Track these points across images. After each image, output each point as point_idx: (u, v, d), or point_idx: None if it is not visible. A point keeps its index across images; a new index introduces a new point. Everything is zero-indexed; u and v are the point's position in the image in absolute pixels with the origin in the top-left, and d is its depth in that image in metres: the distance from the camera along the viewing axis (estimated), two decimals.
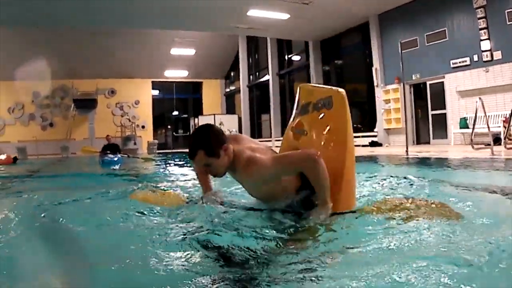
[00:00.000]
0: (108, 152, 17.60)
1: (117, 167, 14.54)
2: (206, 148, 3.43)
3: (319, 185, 3.33)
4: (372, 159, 12.79)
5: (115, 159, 16.18)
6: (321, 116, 3.82)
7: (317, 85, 4.56)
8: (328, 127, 3.74)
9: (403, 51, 14.78)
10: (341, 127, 3.65)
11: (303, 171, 3.38)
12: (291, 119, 4.38)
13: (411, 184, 4.99)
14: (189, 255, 2.51)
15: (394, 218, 3.14)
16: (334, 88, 3.88)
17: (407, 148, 13.44)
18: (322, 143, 3.74)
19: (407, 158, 12.14)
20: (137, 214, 3.71)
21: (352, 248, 2.57)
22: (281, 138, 18.13)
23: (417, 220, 3.04)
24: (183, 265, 2.35)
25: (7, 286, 2.15)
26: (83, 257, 2.56)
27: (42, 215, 3.91)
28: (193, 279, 2.11)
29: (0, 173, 13.38)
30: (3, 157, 19.43)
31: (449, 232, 2.71)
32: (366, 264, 2.22)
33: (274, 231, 2.99)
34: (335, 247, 2.62)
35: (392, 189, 4.73)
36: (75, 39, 27.79)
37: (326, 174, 3.29)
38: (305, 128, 4.01)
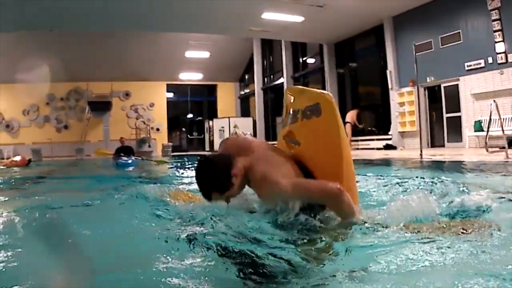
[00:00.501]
0: (122, 154, 17.76)
1: (131, 169, 14.69)
2: (218, 188, 3.33)
3: (343, 216, 3.16)
4: (387, 162, 12.95)
5: (129, 161, 16.34)
6: (311, 124, 3.72)
7: (304, 88, 4.16)
8: (319, 137, 3.65)
9: (417, 54, 14.81)
10: (333, 135, 3.54)
11: (325, 204, 3.23)
12: (282, 125, 4.32)
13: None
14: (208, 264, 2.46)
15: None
16: (321, 92, 3.79)
17: (421, 151, 13.34)
18: (316, 154, 3.66)
19: (421, 161, 12.10)
20: (154, 216, 3.68)
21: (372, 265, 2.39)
22: None
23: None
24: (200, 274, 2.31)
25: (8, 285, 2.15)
26: (84, 259, 2.56)
27: (46, 216, 3.94)
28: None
29: (15, 174, 13.52)
30: (18, 158, 19.62)
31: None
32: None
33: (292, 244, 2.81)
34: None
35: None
36: (90, 42, 28.03)
37: (352, 207, 3.14)
38: (297, 138, 3.91)
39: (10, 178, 11.91)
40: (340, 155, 3.48)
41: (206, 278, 2.22)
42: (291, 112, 4.08)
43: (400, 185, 5.48)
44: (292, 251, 2.66)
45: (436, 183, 5.27)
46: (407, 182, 5.72)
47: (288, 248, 2.72)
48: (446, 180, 5.63)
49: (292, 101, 4.17)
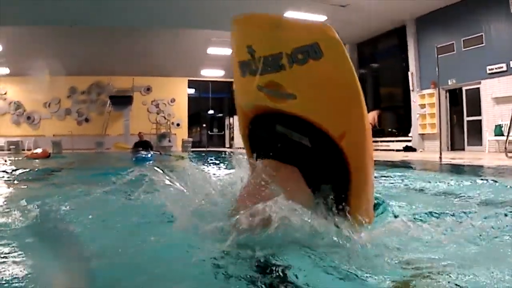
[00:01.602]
0: (141, 148, 18.02)
1: (149, 164, 14.88)
2: None
3: None
4: (406, 164, 12.95)
5: (148, 155, 16.55)
6: (308, 70, 2.66)
7: (276, 18, 2.88)
8: (326, 86, 2.72)
9: (439, 56, 14.84)
10: (348, 82, 2.75)
11: None
12: (240, 73, 3.10)
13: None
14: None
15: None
16: (316, 24, 3.04)
17: (440, 154, 13.34)
18: (326, 108, 2.74)
19: (441, 164, 12.08)
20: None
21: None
22: None
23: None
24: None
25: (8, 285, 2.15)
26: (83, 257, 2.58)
27: (50, 211, 3.93)
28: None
29: (35, 166, 13.73)
30: (39, 151, 19.94)
31: None
32: None
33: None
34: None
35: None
36: (113, 37, 28.33)
37: None
38: (288, 91, 2.77)
39: (30, 169, 12.15)
40: (361, 109, 2.76)
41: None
42: (263, 57, 2.83)
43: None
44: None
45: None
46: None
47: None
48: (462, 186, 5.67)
49: (262, 40, 2.93)
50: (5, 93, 33.04)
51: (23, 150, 28.91)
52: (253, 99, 3.04)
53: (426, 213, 3.64)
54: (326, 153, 2.81)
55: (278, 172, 2.84)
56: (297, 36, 2.71)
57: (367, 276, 2.16)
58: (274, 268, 2.27)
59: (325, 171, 2.93)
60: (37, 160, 17.15)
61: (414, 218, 3.33)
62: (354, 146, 2.76)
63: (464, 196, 5.05)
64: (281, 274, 2.21)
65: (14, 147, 29.00)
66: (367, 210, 3.00)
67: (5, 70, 31.56)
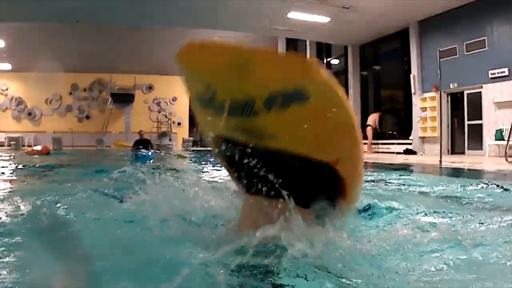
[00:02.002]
0: (141, 147, 18.10)
1: (150, 162, 14.94)
2: None
3: None
4: (406, 167, 12.92)
5: (149, 154, 16.63)
6: (293, 113, 2.27)
7: (243, 50, 2.26)
8: (318, 122, 2.33)
9: (441, 59, 14.89)
10: (341, 117, 2.32)
11: None
12: (200, 106, 2.74)
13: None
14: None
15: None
16: (294, 60, 2.26)
17: (441, 157, 13.27)
18: (320, 143, 2.44)
19: (441, 167, 12.13)
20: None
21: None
22: None
23: None
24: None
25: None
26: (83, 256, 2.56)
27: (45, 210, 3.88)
28: None
29: (35, 161, 13.78)
30: (39, 147, 20.05)
31: None
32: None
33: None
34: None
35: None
36: (115, 34, 28.43)
37: None
38: (269, 132, 2.42)
39: (29, 165, 12.22)
40: (355, 138, 2.47)
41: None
42: (225, 100, 2.40)
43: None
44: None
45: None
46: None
47: None
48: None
49: (213, 77, 2.46)
50: (6, 89, 33.28)
51: (23, 146, 29.05)
52: (221, 131, 2.63)
53: (422, 216, 3.66)
54: (318, 172, 2.51)
55: (268, 210, 2.56)
56: (273, 77, 2.22)
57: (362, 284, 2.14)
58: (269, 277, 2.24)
59: (317, 186, 2.63)
60: (36, 156, 17.24)
61: (411, 222, 3.34)
62: (349, 167, 2.54)
63: (462, 199, 5.07)
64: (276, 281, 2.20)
65: (14, 143, 29.21)
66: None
67: (7, 66, 31.70)
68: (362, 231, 3.14)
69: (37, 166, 12.10)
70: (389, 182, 7.56)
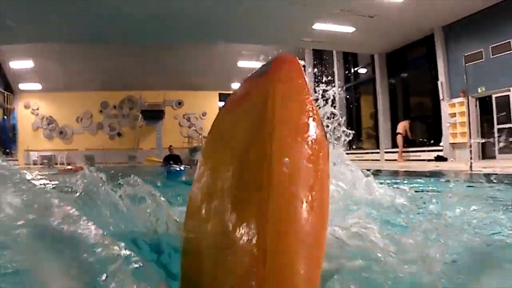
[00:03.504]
0: (171, 162, 18.49)
1: (182, 178, 15.29)
2: None
3: None
4: (434, 174, 12.64)
5: (181, 168, 16.96)
6: None
7: None
8: None
9: (468, 64, 15.01)
10: None
11: None
12: None
13: None
14: None
15: None
16: None
17: (471, 163, 13.06)
18: None
19: (471, 173, 12.00)
20: None
21: None
22: (348, 151, 17.83)
23: None
24: None
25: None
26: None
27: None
28: None
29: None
30: (71, 167, 20.58)
31: None
32: None
33: None
34: None
35: None
36: (143, 51, 29.08)
37: None
38: None
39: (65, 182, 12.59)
40: None
41: None
42: None
43: None
44: None
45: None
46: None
47: None
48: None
49: None
50: (37, 109, 34.14)
51: (56, 164, 29.73)
52: None
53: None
54: None
55: None
56: None
57: None
58: None
59: None
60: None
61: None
62: None
63: (491, 206, 4.79)
64: None
65: (46, 161, 29.92)
66: None
67: (37, 86, 32.58)
68: None
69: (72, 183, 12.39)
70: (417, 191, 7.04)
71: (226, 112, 2.11)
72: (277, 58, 1.81)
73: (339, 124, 4.73)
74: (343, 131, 4.85)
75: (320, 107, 5.27)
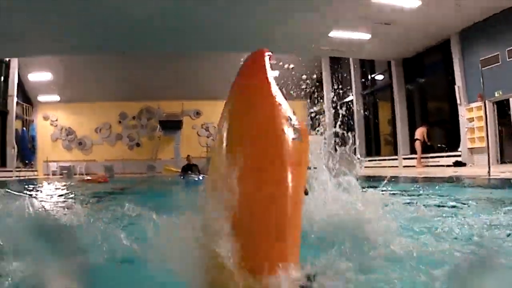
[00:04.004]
0: (190, 172, 18.70)
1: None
2: None
3: None
4: (450, 180, 12.47)
5: (200, 178, 17.16)
6: None
7: None
8: None
9: (485, 68, 15.09)
10: None
11: None
12: None
13: None
14: None
15: None
16: None
17: (489, 168, 13.00)
18: None
19: (489, 178, 11.82)
20: None
21: None
22: (366, 158, 18.15)
23: None
24: None
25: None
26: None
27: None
28: None
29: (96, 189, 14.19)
30: (89, 177, 20.91)
31: None
32: None
33: None
34: None
35: None
36: (161, 62, 29.46)
37: None
38: None
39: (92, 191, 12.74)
40: None
41: None
42: None
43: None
44: None
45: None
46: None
47: None
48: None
49: None
50: (56, 120, 34.61)
51: (75, 174, 30.15)
52: None
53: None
54: None
55: None
56: None
57: None
58: None
59: None
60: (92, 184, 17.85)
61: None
62: None
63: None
64: None
65: (66, 171, 30.31)
66: None
67: (56, 98, 33.08)
68: None
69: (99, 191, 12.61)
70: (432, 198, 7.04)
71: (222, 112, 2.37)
72: (247, 57, 2.12)
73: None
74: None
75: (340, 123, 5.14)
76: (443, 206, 5.49)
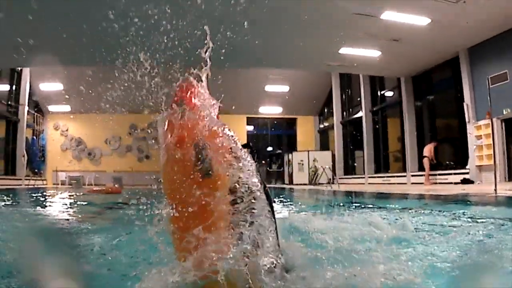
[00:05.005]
0: None
1: None
2: None
3: None
4: (459, 198, 12.14)
5: None
6: None
7: None
8: None
9: (493, 85, 15.15)
10: None
11: None
12: None
13: None
14: None
15: None
16: None
17: (495, 186, 13.01)
18: None
19: (496, 196, 11.73)
20: None
21: None
22: (375, 175, 18.54)
23: None
24: None
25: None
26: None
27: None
28: None
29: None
30: (97, 188, 21.15)
31: None
32: None
33: None
34: None
35: None
36: (172, 75, 29.81)
37: None
38: None
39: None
40: None
41: None
42: None
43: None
44: None
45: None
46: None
47: None
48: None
49: None
50: (66, 130, 34.99)
51: (84, 184, 30.46)
52: None
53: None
54: None
55: None
56: None
57: None
58: None
59: None
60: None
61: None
62: None
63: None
64: None
65: (75, 181, 30.63)
66: None
67: (66, 108, 33.49)
68: None
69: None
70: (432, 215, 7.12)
71: None
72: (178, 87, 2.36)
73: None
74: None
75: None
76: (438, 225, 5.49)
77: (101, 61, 23.24)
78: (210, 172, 2.13)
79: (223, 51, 16.45)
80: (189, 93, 2.33)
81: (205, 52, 2.81)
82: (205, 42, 2.80)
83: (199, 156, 2.16)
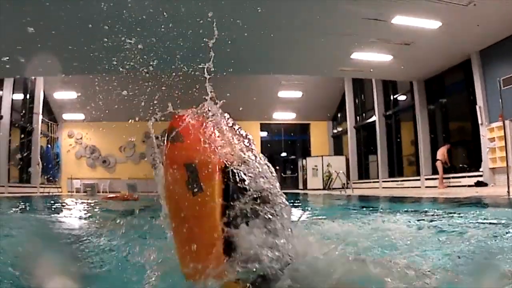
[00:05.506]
0: None
1: None
2: None
3: None
4: (471, 201, 11.80)
5: None
6: None
7: None
8: None
9: (505, 87, 15.14)
10: None
11: None
12: None
13: None
14: None
15: None
16: None
17: (508, 188, 12.84)
18: None
19: (509, 198, 11.74)
20: None
21: None
22: (389, 179, 18.49)
23: None
24: None
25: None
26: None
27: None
28: None
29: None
30: (112, 195, 21.39)
31: None
32: None
33: None
34: None
35: None
36: (186, 83, 30.04)
37: None
38: None
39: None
40: None
41: None
42: None
43: None
44: None
45: None
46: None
47: None
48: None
49: None
50: (80, 138, 35.38)
51: (99, 192, 30.80)
52: None
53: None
54: None
55: None
56: None
57: None
58: None
59: None
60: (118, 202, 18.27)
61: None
62: None
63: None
64: None
65: (90, 189, 30.97)
66: None
67: (80, 116, 33.89)
68: None
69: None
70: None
71: None
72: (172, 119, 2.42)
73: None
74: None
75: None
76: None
77: (114, 70, 23.69)
78: (200, 190, 2.18)
79: (237, 59, 16.88)
80: (183, 123, 2.35)
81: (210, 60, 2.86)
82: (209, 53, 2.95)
83: (190, 176, 2.22)
